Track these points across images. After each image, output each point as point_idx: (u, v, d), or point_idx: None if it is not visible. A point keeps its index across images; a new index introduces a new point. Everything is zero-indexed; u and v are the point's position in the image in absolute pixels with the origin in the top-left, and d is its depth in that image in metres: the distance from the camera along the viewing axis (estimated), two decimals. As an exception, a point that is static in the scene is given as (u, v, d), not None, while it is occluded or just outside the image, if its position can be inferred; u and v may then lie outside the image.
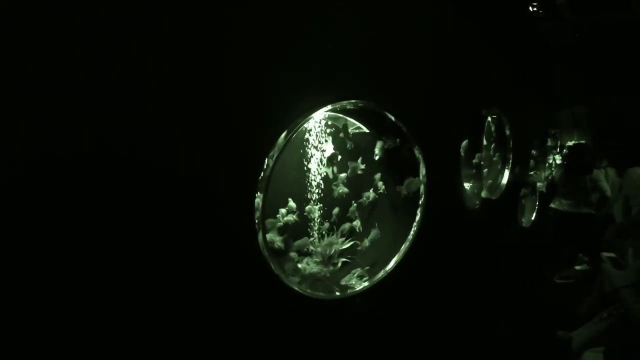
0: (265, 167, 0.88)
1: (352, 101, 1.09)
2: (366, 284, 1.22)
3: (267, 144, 0.90)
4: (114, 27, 0.64)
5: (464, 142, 1.87)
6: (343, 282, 1.24)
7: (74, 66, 0.60)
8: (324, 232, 1.28)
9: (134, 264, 0.71)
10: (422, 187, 1.36)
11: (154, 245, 0.73)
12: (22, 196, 0.57)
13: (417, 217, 1.37)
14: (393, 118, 1.22)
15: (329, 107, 1.03)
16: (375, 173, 1.36)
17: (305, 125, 1.05)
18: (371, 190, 1.37)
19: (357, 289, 1.20)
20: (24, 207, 0.57)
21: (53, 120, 0.59)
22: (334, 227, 1.30)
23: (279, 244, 1.12)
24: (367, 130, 1.32)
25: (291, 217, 1.16)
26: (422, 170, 1.35)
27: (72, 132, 0.61)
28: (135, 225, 0.70)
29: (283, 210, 1.17)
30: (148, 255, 0.73)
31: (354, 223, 1.35)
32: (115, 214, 0.67)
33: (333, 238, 1.28)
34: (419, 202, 1.37)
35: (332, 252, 1.26)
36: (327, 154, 1.25)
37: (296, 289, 1.00)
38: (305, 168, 1.23)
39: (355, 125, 1.31)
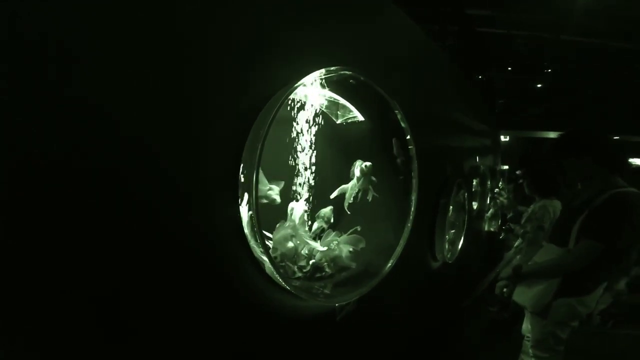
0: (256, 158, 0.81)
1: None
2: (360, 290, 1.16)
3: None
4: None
5: None
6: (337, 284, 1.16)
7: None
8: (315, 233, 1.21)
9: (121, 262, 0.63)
10: (414, 182, 1.31)
11: (141, 248, 0.67)
12: None
13: (411, 209, 1.31)
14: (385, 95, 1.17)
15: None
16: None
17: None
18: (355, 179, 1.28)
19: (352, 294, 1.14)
20: None
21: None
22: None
23: (273, 244, 1.05)
24: (363, 119, 1.25)
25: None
26: (415, 165, 1.31)
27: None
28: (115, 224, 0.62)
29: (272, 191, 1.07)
30: (136, 258, 0.66)
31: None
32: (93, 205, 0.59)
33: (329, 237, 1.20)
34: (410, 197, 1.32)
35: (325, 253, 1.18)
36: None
37: (289, 289, 0.94)
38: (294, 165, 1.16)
39: (352, 115, 1.25)
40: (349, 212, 1.24)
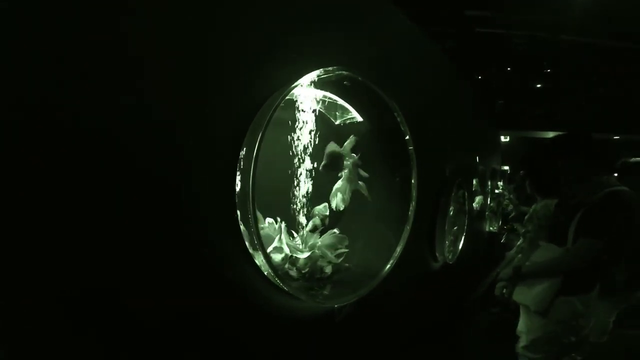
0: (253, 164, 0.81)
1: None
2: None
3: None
4: None
5: None
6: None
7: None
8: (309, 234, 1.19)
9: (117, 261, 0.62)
10: (413, 182, 1.30)
11: (141, 249, 0.67)
12: None
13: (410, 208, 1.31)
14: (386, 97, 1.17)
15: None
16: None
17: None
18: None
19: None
20: None
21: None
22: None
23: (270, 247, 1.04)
24: (361, 119, 1.25)
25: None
26: (414, 166, 1.30)
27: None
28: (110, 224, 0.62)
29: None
30: (136, 258, 0.66)
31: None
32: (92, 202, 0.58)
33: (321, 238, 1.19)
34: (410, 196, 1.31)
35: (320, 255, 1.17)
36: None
37: (288, 290, 0.93)
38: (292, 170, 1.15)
39: (351, 115, 1.25)
40: (340, 209, 1.23)
